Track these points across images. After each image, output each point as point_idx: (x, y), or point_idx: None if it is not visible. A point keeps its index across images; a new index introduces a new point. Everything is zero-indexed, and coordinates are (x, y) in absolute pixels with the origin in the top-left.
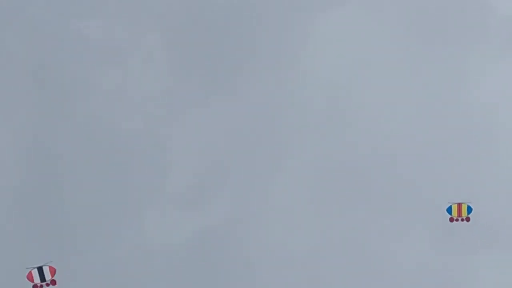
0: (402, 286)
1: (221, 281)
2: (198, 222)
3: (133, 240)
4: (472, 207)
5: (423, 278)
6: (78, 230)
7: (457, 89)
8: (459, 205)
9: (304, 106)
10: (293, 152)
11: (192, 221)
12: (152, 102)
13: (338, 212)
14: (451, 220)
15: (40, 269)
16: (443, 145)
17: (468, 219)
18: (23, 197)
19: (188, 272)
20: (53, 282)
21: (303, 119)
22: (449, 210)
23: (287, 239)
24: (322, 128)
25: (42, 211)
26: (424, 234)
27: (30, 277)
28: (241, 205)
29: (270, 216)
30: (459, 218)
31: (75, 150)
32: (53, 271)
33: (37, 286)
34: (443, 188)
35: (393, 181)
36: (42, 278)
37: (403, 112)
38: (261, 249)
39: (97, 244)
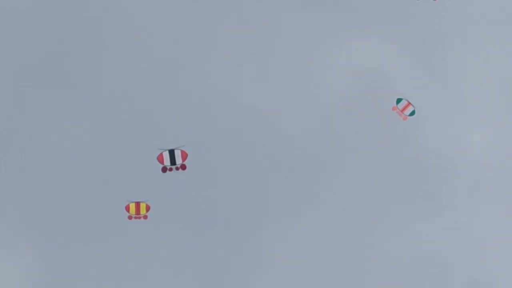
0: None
1: None
2: None
3: None
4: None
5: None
6: None
7: None
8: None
9: None
10: None
11: None
12: None
13: None
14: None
15: (171, 152)
16: None
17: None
18: None
19: None
20: (183, 166)
21: None
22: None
23: None
24: None
25: None
26: None
27: (160, 159)
28: None
29: None
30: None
31: None
32: (184, 156)
33: (166, 168)
34: None
35: None
36: (173, 162)
37: None
38: None
39: None
